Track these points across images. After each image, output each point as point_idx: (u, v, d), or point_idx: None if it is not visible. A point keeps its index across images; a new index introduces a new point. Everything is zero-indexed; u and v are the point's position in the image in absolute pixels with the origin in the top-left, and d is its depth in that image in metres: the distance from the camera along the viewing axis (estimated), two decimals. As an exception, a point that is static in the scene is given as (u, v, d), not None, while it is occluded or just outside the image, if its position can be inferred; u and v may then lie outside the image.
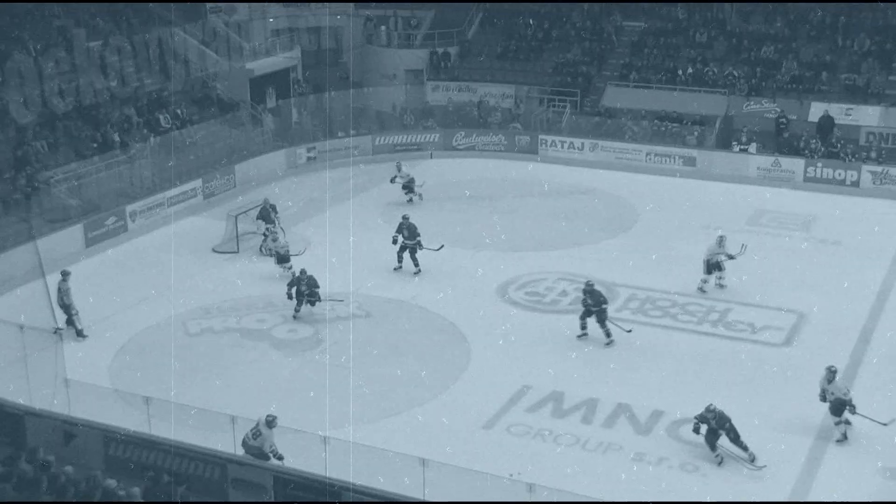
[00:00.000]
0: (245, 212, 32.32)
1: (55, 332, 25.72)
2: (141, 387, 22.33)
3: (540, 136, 42.63)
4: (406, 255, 30.03)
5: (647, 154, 40.98)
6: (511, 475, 19.00)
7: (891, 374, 23.76)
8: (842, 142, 39.17)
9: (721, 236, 28.48)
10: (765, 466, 20.13)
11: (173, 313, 27.54)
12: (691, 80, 43.33)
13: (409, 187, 36.21)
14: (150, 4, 41.43)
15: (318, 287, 26.83)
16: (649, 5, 46.70)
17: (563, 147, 42.26)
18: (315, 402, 22.52)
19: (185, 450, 18.28)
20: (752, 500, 19.06)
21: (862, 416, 20.90)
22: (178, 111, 39.67)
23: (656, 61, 44.76)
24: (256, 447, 19.02)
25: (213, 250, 32.03)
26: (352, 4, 49.32)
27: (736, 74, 42.73)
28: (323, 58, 49.07)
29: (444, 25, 48.54)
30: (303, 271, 26.95)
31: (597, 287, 25.68)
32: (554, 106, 44.35)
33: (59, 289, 26.13)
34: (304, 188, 38.22)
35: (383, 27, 49.41)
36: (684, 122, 41.80)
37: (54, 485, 16.18)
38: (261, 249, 31.53)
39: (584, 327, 25.59)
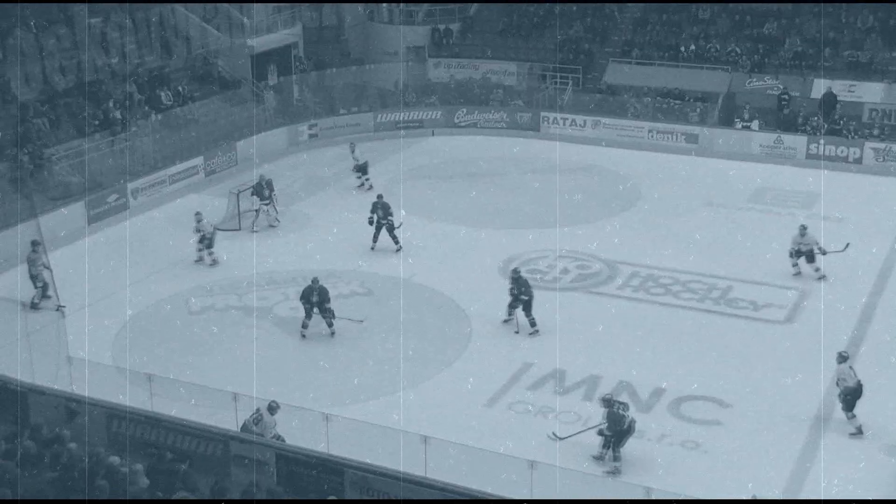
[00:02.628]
0: (246, 189, 32.31)
1: (57, 310, 25.78)
2: (143, 364, 22.41)
3: (542, 114, 42.54)
4: (384, 233, 29.96)
5: (650, 131, 40.90)
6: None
7: (892, 351, 23.78)
8: (845, 118, 39.10)
9: (802, 226, 28.14)
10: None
11: (175, 291, 27.58)
12: (694, 57, 43.23)
13: (362, 170, 35.63)
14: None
15: (328, 301, 24.85)
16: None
17: (565, 124, 42.18)
18: (317, 380, 22.57)
19: (188, 427, 18.32)
20: (752, 478, 19.09)
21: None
22: (180, 88, 39.61)
23: (658, 38, 44.63)
24: (258, 434, 18.99)
25: (215, 228, 31.98)
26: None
27: (738, 51, 42.64)
28: (324, 34, 48.95)
29: (446, 1, 48.37)
30: (314, 280, 24.97)
31: (523, 275, 25.44)
32: (556, 83, 44.24)
33: (28, 259, 26.26)
34: (306, 165, 38.21)
35: (385, 4, 49.23)
36: (687, 98, 41.72)
37: (57, 461, 16.22)
38: (253, 226, 31.58)
39: (510, 314, 25.22)
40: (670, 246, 30.11)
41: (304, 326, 24.95)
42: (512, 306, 25.08)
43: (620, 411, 19.63)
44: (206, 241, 29.14)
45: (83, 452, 16.46)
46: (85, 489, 15.42)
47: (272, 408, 19.29)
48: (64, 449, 16.47)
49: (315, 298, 24.67)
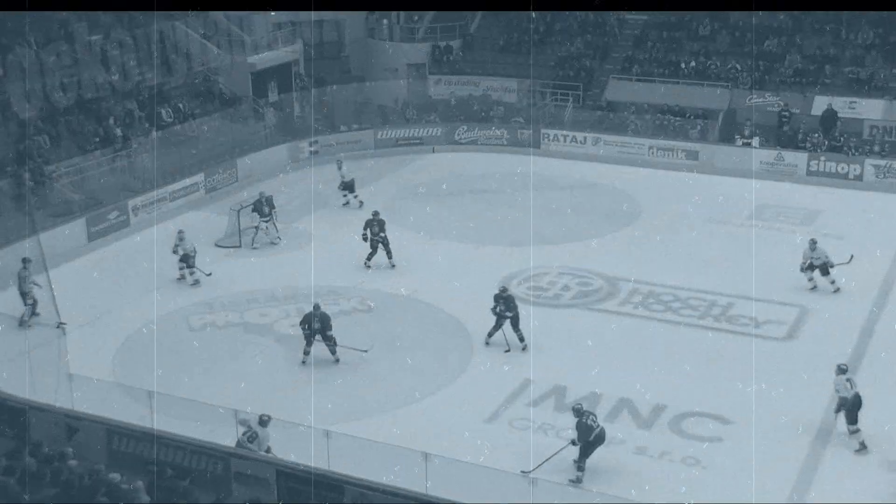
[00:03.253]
0: (247, 206, 32.32)
1: (58, 327, 25.78)
2: (144, 381, 22.37)
3: (542, 130, 42.57)
4: (380, 249, 30.03)
5: (650, 148, 40.93)
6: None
7: (893, 367, 23.76)
8: (845, 135, 39.13)
9: (812, 240, 28.24)
10: None
11: (175, 308, 27.57)
12: (694, 74, 43.30)
13: (349, 188, 35.50)
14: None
15: (330, 329, 24.19)
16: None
17: (565, 141, 42.21)
18: (317, 396, 22.53)
19: (188, 444, 18.30)
20: (753, 493, 19.04)
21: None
22: (180, 105, 39.68)
23: (659, 55, 44.70)
24: (255, 451, 18.90)
25: (216, 245, 32.06)
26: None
27: (739, 68, 42.69)
28: (325, 52, 49.02)
29: (446, 19, 48.44)
30: (316, 306, 24.33)
31: (509, 292, 25.49)
32: (556, 100, 44.29)
33: (19, 276, 26.31)
34: (307, 182, 38.21)
35: (385, 21, 49.30)
36: (687, 115, 41.75)
37: (58, 478, 16.20)
38: (253, 243, 31.60)
39: (491, 335, 25.10)
40: (671, 263, 30.11)
41: (306, 353, 24.33)
42: (496, 327, 24.95)
43: (589, 421, 19.67)
44: (190, 260, 29.08)
45: (84, 469, 16.46)
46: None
47: (264, 421, 19.24)
48: (64, 466, 16.47)
49: (317, 325, 24.10)
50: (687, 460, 20.42)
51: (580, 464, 19.55)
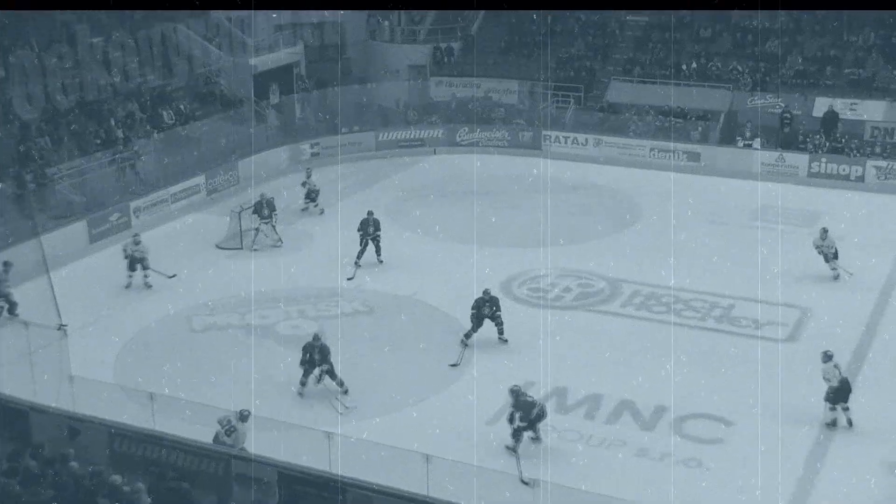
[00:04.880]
0: (248, 208, 32.33)
1: (59, 329, 25.76)
2: (145, 383, 22.40)
3: (543, 132, 42.61)
4: (371, 248, 30.21)
5: (651, 149, 40.95)
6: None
7: (894, 368, 23.76)
8: (846, 137, 39.14)
9: (824, 228, 28.73)
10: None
11: (177, 310, 27.58)
12: (695, 75, 43.31)
13: (311, 197, 35.44)
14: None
15: (329, 362, 22.88)
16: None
17: (566, 142, 42.25)
18: (319, 399, 22.52)
19: (190, 446, 18.30)
20: (755, 495, 19.04)
21: None
22: (182, 107, 39.68)
23: (660, 56, 44.68)
24: (230, 445, 18.88)
25: (217, 246, 32.07)
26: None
27: (740, 69, 42.71)
28: (326, 53, 49.05)
29: (447, 20, 48.50)
30: (316, 336, 23.14)
31: (494, 294, 25.66)
32: (557, 101, 44.31)
33: None
34: (313, 181, 38.16)
35: (386, 22, 49.37)
36: (688, 117, 41.77)
37: (59, 480, 16.20)
38: (253, 245, 31.60)
39: (469, 336, 25.19)
40: (672, 264, 30.07)
41: (303, 385, 23.05)
42: (473, 330, 25.08)
43: (528, 398, 20.47)
44: (145, 262, 28.94)
45: (85, 471, 16.46)
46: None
47: (244, 416, 19.28)
48: (66, 468, 16.47)
49: (317, 356, 22.82)
50: (689, 462, 20.41)
51: (519, 437, 20.32)
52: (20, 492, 15.81)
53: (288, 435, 19.34)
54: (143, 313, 27.28)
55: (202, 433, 19.07)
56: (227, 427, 19.07)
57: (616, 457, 20.59)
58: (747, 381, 23.17)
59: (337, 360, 23.04)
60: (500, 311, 25.26)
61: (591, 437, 21.18)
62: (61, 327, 25.89)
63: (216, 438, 19.04)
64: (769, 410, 21.80)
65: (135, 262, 28.86)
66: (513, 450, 20.27)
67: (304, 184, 35.40)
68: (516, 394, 20.50)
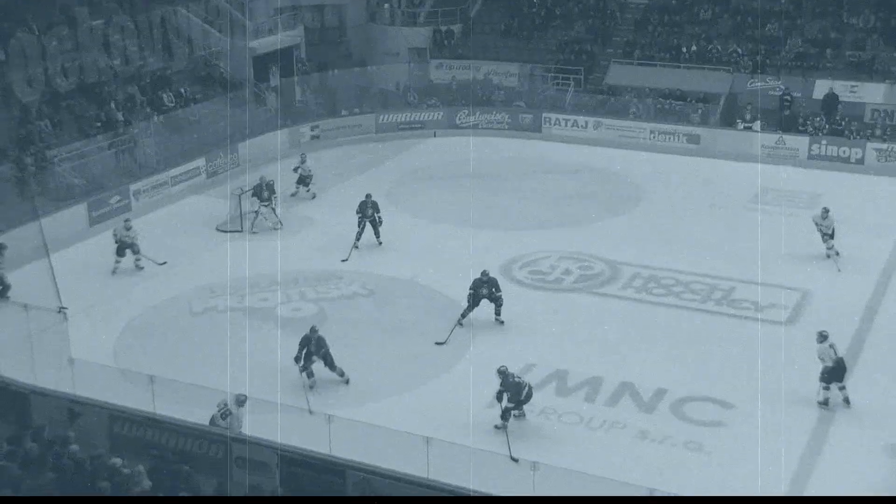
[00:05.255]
0: (248, 190, 32.31)
1: (60, 312, 25.76)
2: (145, 366, 22.36)
3: (543, 115, 42.56)
4: (369, 229, 30.21)
5: (651, 132, 40.90)
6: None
7: (894, 351, 23.77)
8: (846, 119, 39.09)
9: (825, 208, 28.80)
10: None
11: (177, 293, 27.58)
12: (695, 58, 43.20)
13: (304, 181, 35.25)
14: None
15: (327, 353, 22.51)
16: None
17: (566, 125, 42.19)
18: (319, 382, 22.53)
19: (190, 428, 18.33)
20: (755, 478, 19.06)
21: None
22: (182, 90, 39.63)
23: (660, 39, 44.61)
24: (225, 427, 18.89)
25: (217, 229, 32.05)
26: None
27: (740, 52, 42.61)
28: (326, 36, 48.95)
29: (447, 3, 48.35)
30: (313, 329, 22.63)
31: (493, 275, 25.66)
32: (557, 84, 44.24)
33: None
34: (307, 166, 38.14)
35: (386, 5, 49.22)
36: (688, 99, 41.71)
37: (59, 463, 16.24)
38: (252, 227, 31.59)
39: (465, 315, 25.22)
40: (672, 247, 30.09)
41: (309, 377, 22.55)
42: (469, 309, 25.12)
43: (516, 379, 20.71)
44: (135, 247, 28.89)
45: (85, 454, 16.49)
46: (87, 490, 15.46)
47: (240, 401, 19.31)
48: (66, 450, 16.50)
49: (313, 348, 22.49)
50: (689, 444, 20.44)
51: (506, 417, 20.53)
52: (21, 475, 15.84)
53: (288, 417, 19.34)
54: (143, 296, 27.28)
55: (202, 416, 19.11)
56: (223, 410, 19.09)
57: (616, 440, 20.62)
58: (748, 363, 23.19)
59: (336, 343, 23.03)
60: (500, 291, 25.26)
61: (592, 419, 21.20)
62: (61, 310, 25.87)
63: (212, 421, 19.07)
64: (769, 393, 21.82)
65: (124, 247, 28.76)
66: (502, 429, 20.42)
67: (296, 169, 35.22)
68: (504, 374, 20.68)
